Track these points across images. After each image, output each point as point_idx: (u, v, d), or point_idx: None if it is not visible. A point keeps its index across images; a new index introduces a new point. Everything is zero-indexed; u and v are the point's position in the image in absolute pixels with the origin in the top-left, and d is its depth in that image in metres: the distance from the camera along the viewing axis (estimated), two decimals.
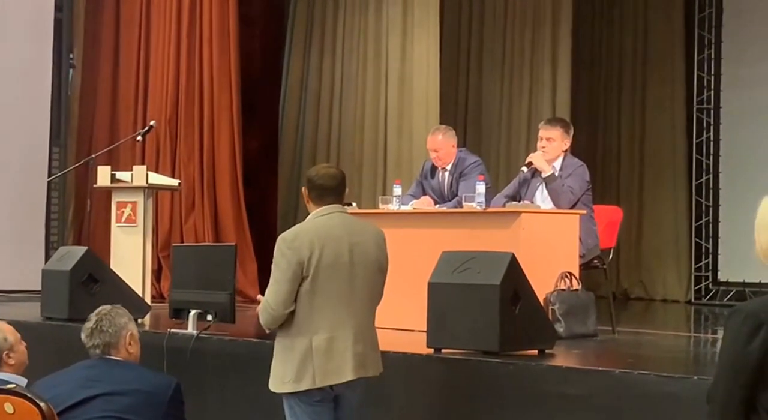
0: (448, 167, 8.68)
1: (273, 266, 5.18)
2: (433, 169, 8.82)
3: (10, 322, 5.26)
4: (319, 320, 5.12)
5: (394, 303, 6.67)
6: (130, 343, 4.98)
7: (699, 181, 13.28)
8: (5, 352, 5.00)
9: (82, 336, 4.97)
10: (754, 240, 3.23)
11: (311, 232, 5.17)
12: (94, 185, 10.24)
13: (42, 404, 4.19)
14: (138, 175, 9.89)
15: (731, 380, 3.11)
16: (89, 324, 4.99)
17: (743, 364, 3.09)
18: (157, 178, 10.13)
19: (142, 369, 4.98)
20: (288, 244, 5.12)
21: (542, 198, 7.89)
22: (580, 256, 7.66)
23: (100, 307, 5.08)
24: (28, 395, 4.23)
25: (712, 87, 13.25)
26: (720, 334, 8.69)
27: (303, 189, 5.36)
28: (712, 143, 13.24)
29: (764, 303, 3.14)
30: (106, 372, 4.79)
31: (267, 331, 5.30)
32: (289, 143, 13.15)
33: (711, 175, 13.21)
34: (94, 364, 4.89)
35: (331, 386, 5.15)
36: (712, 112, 13.25)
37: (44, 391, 4.49)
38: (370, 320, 5.32)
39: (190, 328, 7.34)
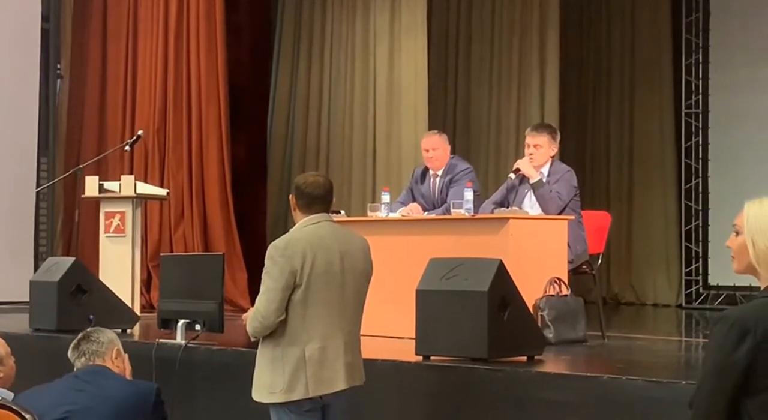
0: (440, 173, 8.68)
1: (264, 275, 5.14)
2: (424, 175, 8.82)
3: None
4: (311, 329, 5.09)
5: (382, 310, 6.69)
6: (116, 358, 4.97)
7: (688, 185, 13.28)
8: None
9: (69, 352, 4.97)
10: (739, 250, 3.22)
11: (303, 240, 5.14)
12: (83, 195, 10.22)
13: (28, 416, 4.17)
14: (126, 184, 9.87)
15: (715, 387, 3.10)
16: (76, 339, 4.99)
17: (728, 371, 3.08)
18: (145, 188, 10.11)
19: (123, 378, 4.96)
20: (280, 253, 5.09)
21: (530, 204, 7.88)
22: (569, 262, 7.66)
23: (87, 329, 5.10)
24: (14, 408, 4.21)
25: (701, 91, 13.25)
26: None
27: (290, 197, 5.35)
28: (700, 147, 13.23)
29: (751, 310, 3.13)
30: (90, 382, 4.78)
31: (252, 340, 5.27)
32: (277, 151, 13.14)
33: (700, 179, 13.21)
34: (78, 374, 4.88)
35: (320, 396, 5.13)
36: (700, 116, 13.24)
37: (29, 403, 4.46)
38: (357, 329, 5.32)
39: (179, 338, 7.33)
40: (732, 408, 3.08)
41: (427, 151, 8.72)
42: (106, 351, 4.95)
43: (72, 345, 4.99)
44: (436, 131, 9.03)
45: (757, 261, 3.16)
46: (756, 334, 3.07)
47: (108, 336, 5.03)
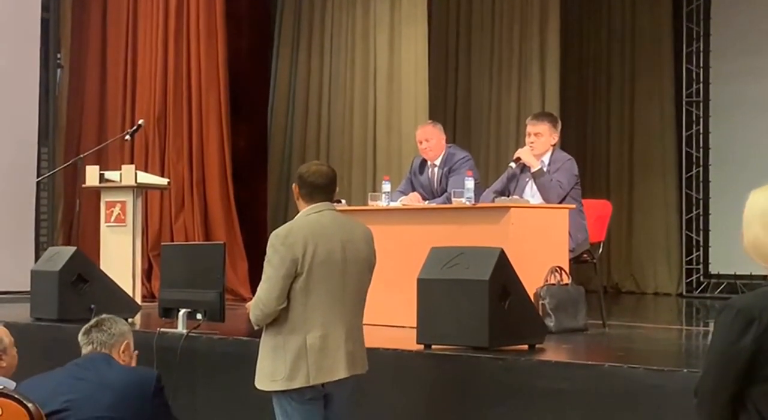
0: (437, 162, 8.67)
1: (265, 263, 5.17)
2: (422, 165, 8.81)
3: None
4: (312, 318, 5.11)
5: (383, 299, 6.68)
6: (124, 351, 4.96)
7: (689, 174, 13.28)
8: None
9: (79, 335, 4.96)
10: (741, 234, 3.22)
11: (304, 229, 5.16)
12: (83, 185, 10.22)
13: (30, 405, 4.18)
14: (127, 174, 9.86)
15: (720, 375, 3.10)
16: (89, 324, 4.98)
17: (733, 359, 3.08)
18: (146, 178, 10.11)
19: (124, 365, 4.96)
20: (281, 241, 5.11)
21: (531, 193, 7.88)
22: (570, 251, 7.65)
23: (103, 315, 5.09)
24: (16, 396, 4.22)
25: (701, 80, 13.24)
26: (711, 326, 8.69)
27: (294, 186, 5.35)
28: (701, 136, 13.23)
29: (756, 299, 3.13)
30: (91, 369, 4.77)
31: (255, 328, 5.29)
32: (278, 141, 13.13)
33: (701, 168, 13.20)
34: (78, 362, 4.88)
35: (322, 384, 5.14)
36: (701, 104, 13.23)
37: (31, 391, 4.47)
38: (359, 318, 5.33)
39: (180, 328, 7.33)
40: (736, 396, 3.08)
41: (421, 142, 8.70)
42: (115, 343, 4.94)
43: (83, 329, 4.98)
44: (429, 121, 9.00)
45: (752, 250, 3.17)
46: (761, 323, 3.07)
47: (120, 328, 5.00)
